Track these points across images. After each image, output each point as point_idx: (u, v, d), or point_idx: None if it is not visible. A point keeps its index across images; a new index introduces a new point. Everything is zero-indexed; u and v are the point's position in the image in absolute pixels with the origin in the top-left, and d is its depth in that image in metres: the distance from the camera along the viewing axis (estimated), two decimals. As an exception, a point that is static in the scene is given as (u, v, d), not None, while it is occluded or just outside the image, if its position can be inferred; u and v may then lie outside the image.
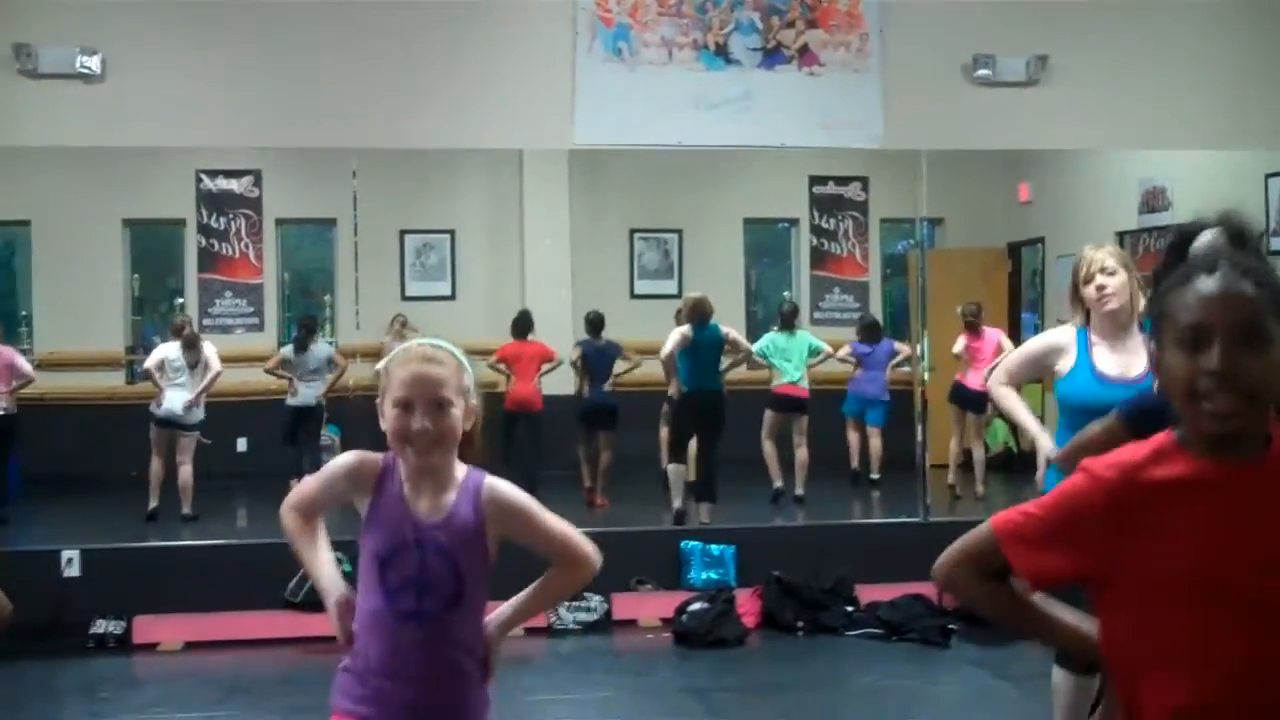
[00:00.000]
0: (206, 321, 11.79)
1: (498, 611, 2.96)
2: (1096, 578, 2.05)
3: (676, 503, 9.76)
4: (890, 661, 7.63)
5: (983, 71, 9.13)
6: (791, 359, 11.00)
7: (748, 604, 8.24)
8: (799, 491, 10.75)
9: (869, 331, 11.80)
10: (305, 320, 11.64)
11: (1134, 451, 2.06)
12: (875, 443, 11.50)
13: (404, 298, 13.29)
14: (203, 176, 13.12)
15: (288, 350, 11.16)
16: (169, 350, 10.37)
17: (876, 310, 13.63)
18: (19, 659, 7.52)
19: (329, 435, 12.12)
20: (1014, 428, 12.74)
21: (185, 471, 10.15)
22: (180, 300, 13.47)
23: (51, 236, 12.95)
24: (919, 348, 10.34)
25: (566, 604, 8.22)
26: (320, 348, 11.39)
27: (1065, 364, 4.60)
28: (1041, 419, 10.87)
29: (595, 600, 8.31)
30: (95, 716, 6.86)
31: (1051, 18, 9.26)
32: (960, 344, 11.11)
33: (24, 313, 13.06)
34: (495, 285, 13.15)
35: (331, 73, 8.65)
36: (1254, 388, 1.95)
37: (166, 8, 8.63)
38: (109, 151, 9.73)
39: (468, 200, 13.50)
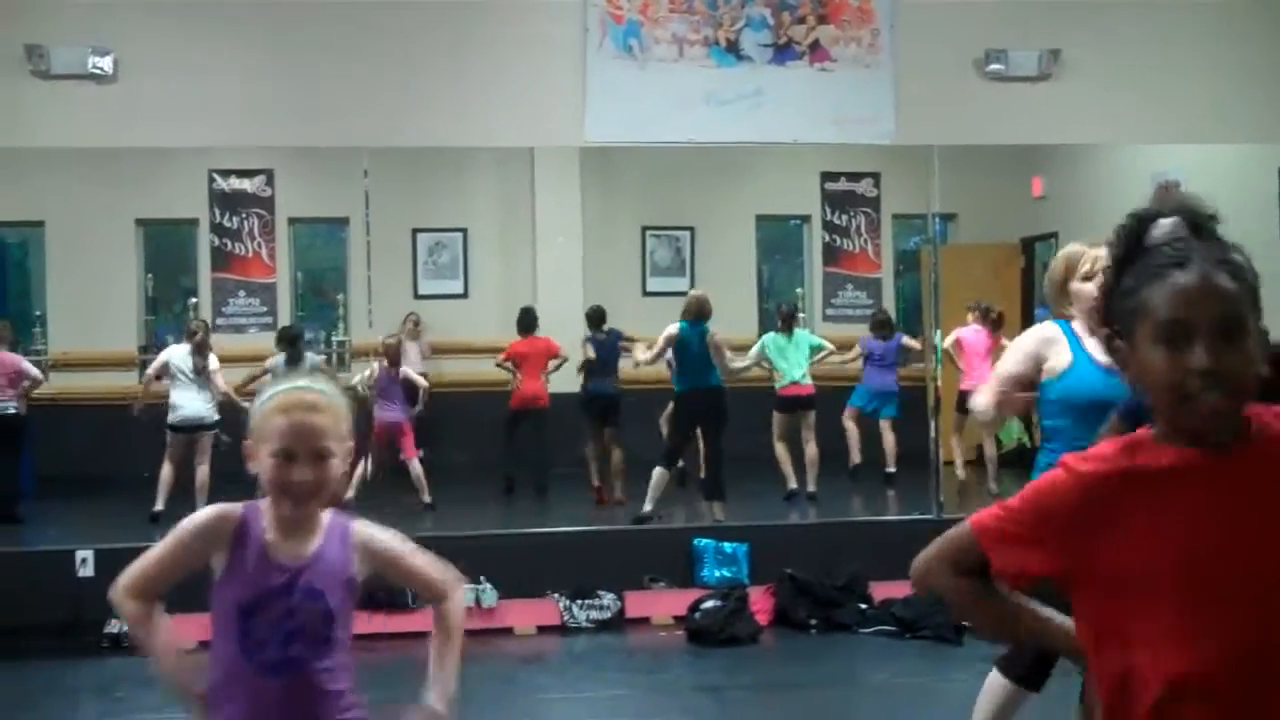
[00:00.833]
0: (220, 321, 11.80)
1: (431, 687, 2.77)
2: (1075, 574, 2.03)
3: (648, 507, 9.55)
4: (904, 659, 7.62)
5: (995, 66, 9.11)
6: (789, 359, 10.94)
7: (761, 602, 8.23)
8: (811, 489, 10.74)
9: (881, 327, 11.79)
10: (291, 333, 11.03)
11: (1109, 446, 2.05)
12: (890, 437, 11.47)
13: (416, 296, 13.31)
14: (215, 176, 13.15)
15: (276, 363, 10.52)
16: (175, 354, 10.34)
17: (890, 306, 13.60)
18: (34, 658, 7.56)
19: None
20: (1028, 424, 12.73)
21: (203, 471, 10.15)
22: (194, 300, 13.48)
23: (65, 237, 12.99)
24: (933, 344, 10.31)
25: (579, 602, 8.22)
26: (311, 358, 11.31)
27: (1060, 360, 4.47)
28: (1030, 441, 10.93)
29: (608, 598, 8.31)
30: (110, 716, 6.88)
31: (1063, 12, 9.24)
32: (950, 340, 11.00)
33: (38, 313, 13.10)
34: (507, 283, 13.15)
35: (343, 72, 8.66)
36: (1239, 383, 1.95)
37: (178, 8, 8.65)
38: (121, 152, 9.75)
39: (479, 198, 13.50)
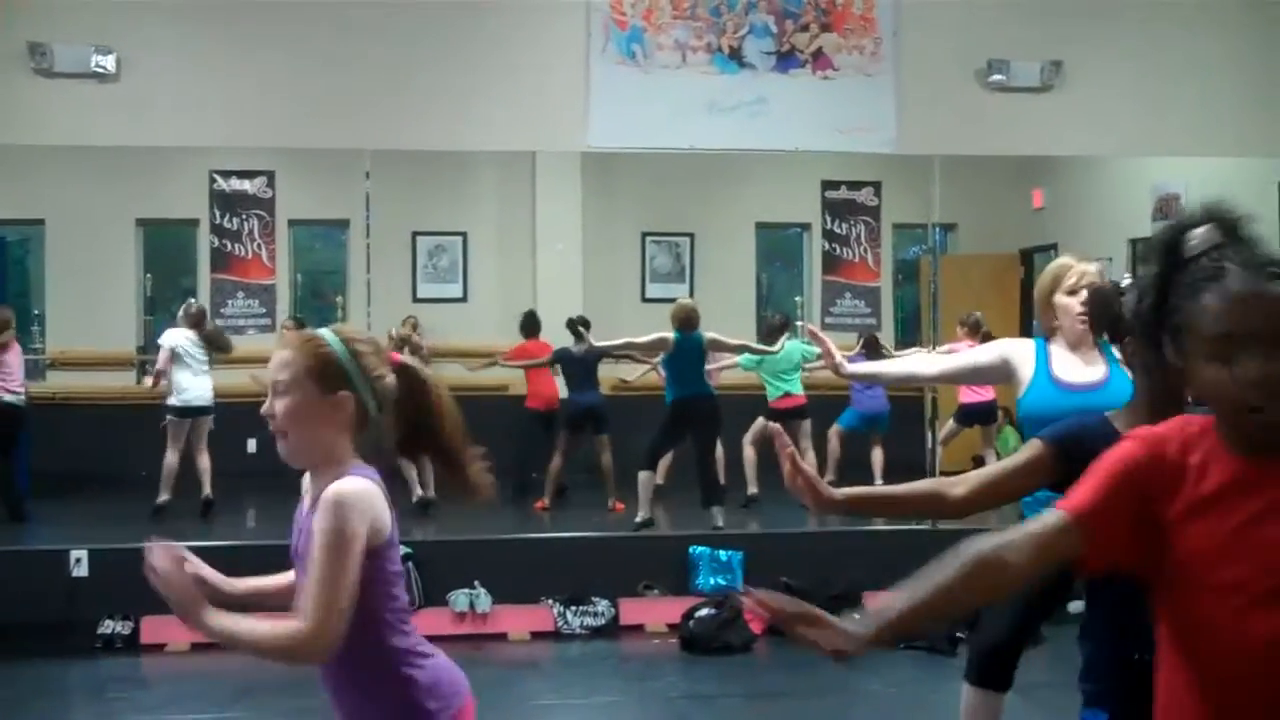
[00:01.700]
0: (219, 322, 11.74)
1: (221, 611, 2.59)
2: (1157, 571, 2.02)
3: (643, 513, 9.48)
4: (897, 669, 7.60)
5: (997, 77, 9.12)
6: (779, 369, 10.84)
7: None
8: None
9: (872, 348, 11.65)
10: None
11: (1184, 426, 2.05)
12: (879, 452, 11.42)
13: (415, 299, 13.30)
14: (216, 177, 13.12)
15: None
16: (179, 337, 10.34)
17: (888, 316, 13.59)
18: (27, 658, 7.54)
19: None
20: (1024, 436, 12.71)
21: (205, 456, 10.20)
22: (192, 300, 13.48)
23: (65, 235, 12.99)
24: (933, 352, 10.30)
25: (573, 609, 8.21)
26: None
27: (1024, 376, 4.43)
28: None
29: (602, 605, 8.30)
30: (103, 717, 6.88)
31: (1066, 24, 9.25)
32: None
33: (36, 311, 13.10)
34: (507, 287, 13.15)
35: (345, 74, 8.66)
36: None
37: (181, 8, 8.66)
38: (123, 151, 9.75)
39: (480, 202, 13.50)
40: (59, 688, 7.31)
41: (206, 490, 10.11)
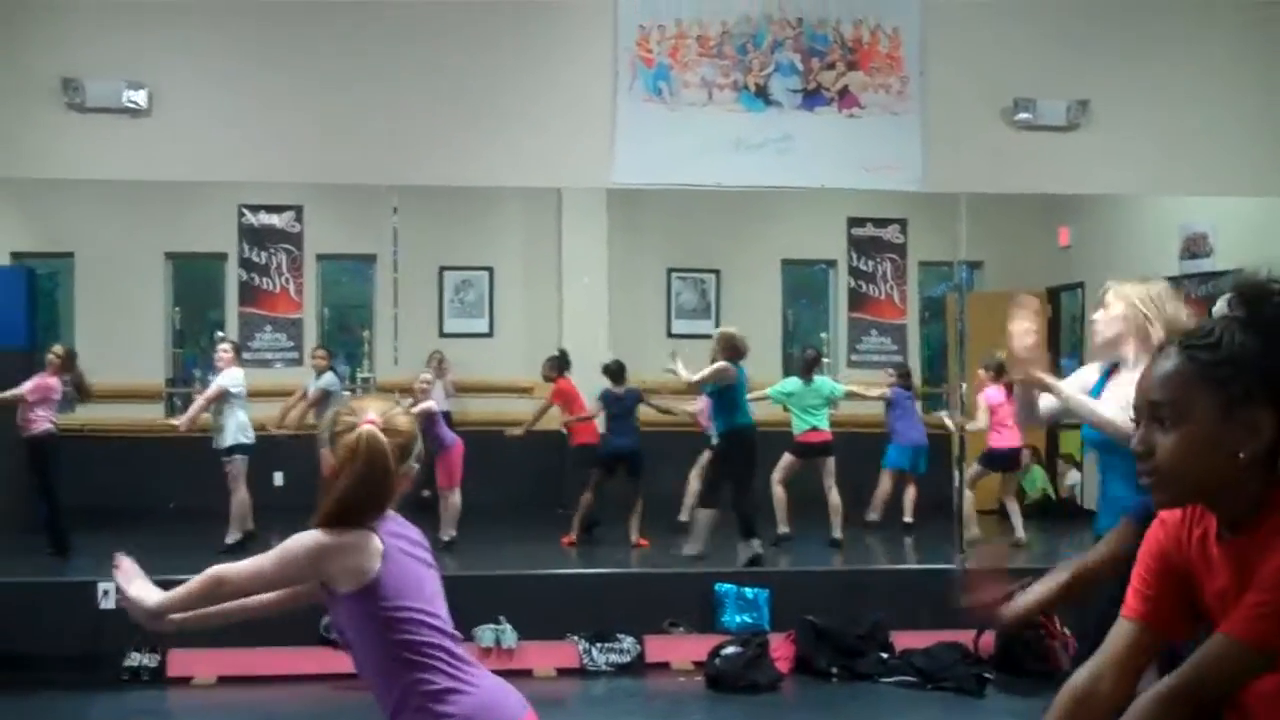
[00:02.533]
0: (246, 355, 11.81)
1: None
2: None
3: (699, 547, 9.42)
4: (925, 710, 7.55)
5: (1023, 115, 9.12)
6: (808, 403, 10.77)
7: (781, 648, 8.18)
8: (836, 535, 10.61)
9: (906, 377, 11.58)
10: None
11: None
12: (912, 489, 11.31)
13: (442, 334, 13.34)
14: (245, 211, 13.24)
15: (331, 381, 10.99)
16: (237, 376, 10.33)
17: (914, 353, 13.58)
18: (55, 690, 7.56)
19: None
20: (1052, 476, 12.65)
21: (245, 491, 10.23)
22: (220, 334, 13.56)
23: (94, 269, 13.10)
24: (959, 391, 10.28)
25: (598, 645, 8.19)
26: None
27: None
28: (1055, 492, 10.69)
29: (628, 642, 8.27)
30: (127, 749, 6.88)
31: (1093, 62, 9.25)
32: (982, 403, 10.60)
33: (65, 343, 13.18)
34: (533, 322, 13.18)
35: (374, 111, 8.73)
36: (1159, 466, 2.00)
37: (213, 44, 8.74)
38: (153, 185, 9.84)
39: (507, 237, 13.55)
40: (85, 719, 7.32)
41: (251, 526, 10.13)
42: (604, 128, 8.93)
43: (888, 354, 13.31)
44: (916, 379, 12.72)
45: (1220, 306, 2.15)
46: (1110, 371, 4.38)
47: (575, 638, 8.23)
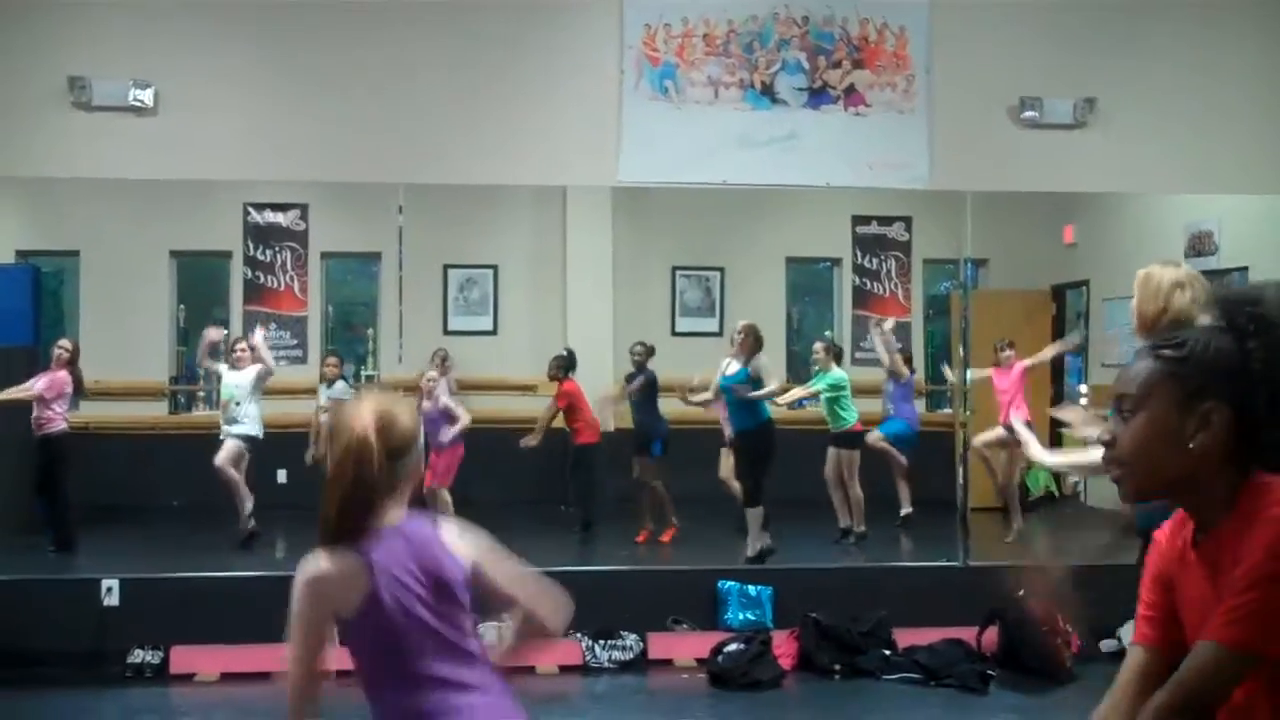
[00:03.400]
0: (233, 337, 11.81)
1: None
2: None
3: (760, 544, 9.41)
4: (928, 707, 7.55)
5: (1029, 114, 9.11)
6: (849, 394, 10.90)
7: (784, 646, 8.18)
8: (861, 528, 10.66)
9: (908, 362, 11.82)
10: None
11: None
12: (905, 485, 11.31)
13: (446, 332, 13.35)
14: (250, 209, 13.25)
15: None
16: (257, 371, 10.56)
17: (918, 351, 13.57)
18: (58, 687, 7.57)
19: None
20: (1055, 474, 12.64)
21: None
22: (225, 332, 13.57)
23: (100, 267, 13.10)
24: (963, 389, 10.27)
25: (601, 642, 8.19)
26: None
27: None
28: (1059, 490, 10.64)
29: (631, 639, 8.28)
30: (131, 746, 6.88)
31: (1099, 61, 9.23)
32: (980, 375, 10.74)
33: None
34: (537, 321, 13.19)
35: (379, 109, 8.72)
36: (1118, 455, 2.08)
37: (219, 43, 8.74)
38: (158, 183, 9.83)
39: (511, 235, 13.55)
40: (89, 717, 7.33)
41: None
42: (610, 126, 8.93)
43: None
44: (921, 377, 12.76)
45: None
46: None
47: (578, 635, 8.23)
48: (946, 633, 8.10)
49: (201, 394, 14.11)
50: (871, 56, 9.18)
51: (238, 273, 13.43)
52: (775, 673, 7.92)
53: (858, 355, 13.36)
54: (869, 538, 10.59)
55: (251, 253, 13.37)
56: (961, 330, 10.09)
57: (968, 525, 9.56)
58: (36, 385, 10.05)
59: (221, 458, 10.21)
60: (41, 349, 11.91)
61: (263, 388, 10.49)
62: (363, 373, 13.69)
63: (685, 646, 8.36)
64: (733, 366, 9.71)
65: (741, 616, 8.51)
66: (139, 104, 8.49)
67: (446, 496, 10.33)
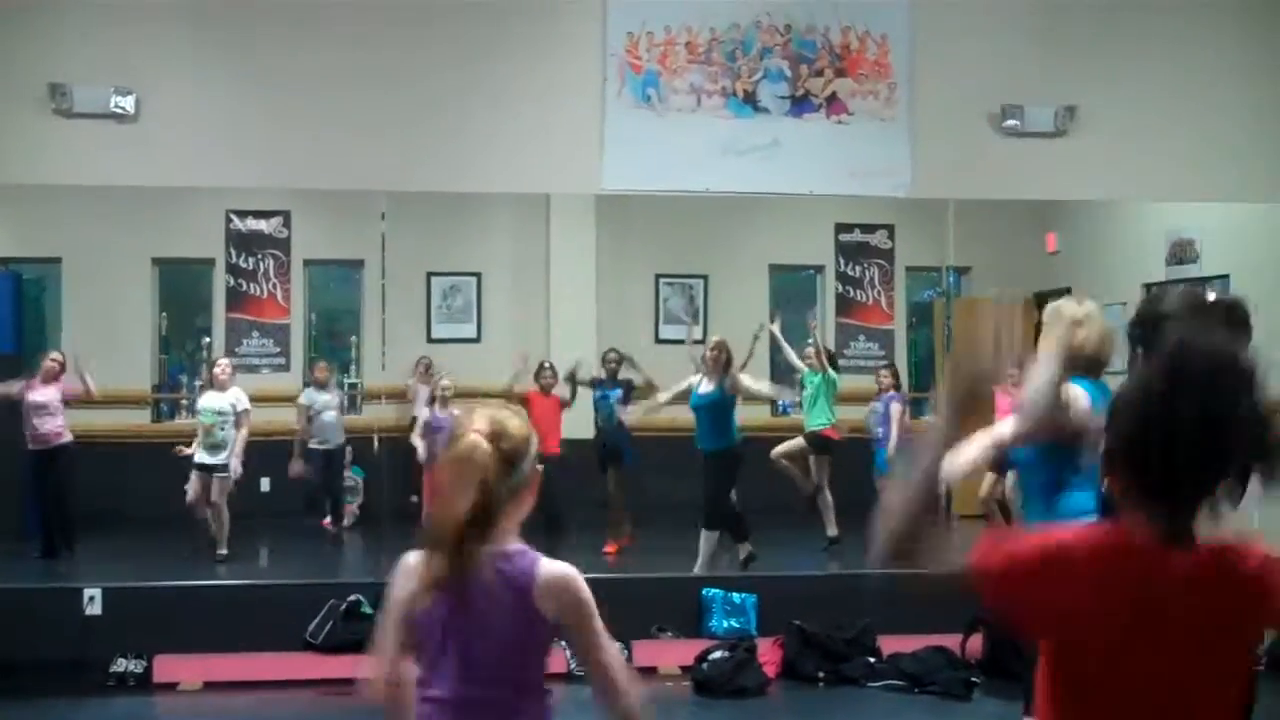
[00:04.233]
0: (234, 361, 11.83)
1: None
2: None
3: (703, 567, 9.42)
4: (912, 714, 7.56)
5: (1011, 122, 9.14)
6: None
7: (769, 653, 8.18)
8: (832, 532, 10.69)
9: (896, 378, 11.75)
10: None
11: None
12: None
13: (430, 340, 13.33)
14: (233, 217, 13.23)
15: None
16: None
17: (901, 358, 13.59)
18: (41, 696, 7.53)
19: (352, 476, 12.16)
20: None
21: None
22: (208, 339, 13.56)
23: (82, 274, 13.07)
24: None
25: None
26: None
27: None
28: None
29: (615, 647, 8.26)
30: (113, 755, 6.85)
31: (1080, 69, 9.27)
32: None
33: (51, 349, 13.14)
34: (521, 328, 13.17)
35: (361, 116, 8.71)
36: None
37: (200, 50, 8.72)
38: (140, 191, 9.81)
39: (495, 243, 13.54)
40: (71, 726, 7.30)
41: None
42: (593, 134, 8.93)
43: (875, 359, 13.31)
44: (905, 383, 12.76)
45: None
46: None
47: (561, 643, 8.18)
48: (931, 640, 8.11)
49: (184, 402, 14.07)
50: (853, 65, 9.21)
51: (220, 280, 13.40)
52: (760, 680, 7.92)
53: (841, 363, 13.37)
54: (842, 543, 10.60)
55: (234, 260, 13.34)
56: (945, 337, 10.11)
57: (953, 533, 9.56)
58: (54, 395, 10.15)
59: (218, 494, 10.07)
60: (23, 356, 11.88)
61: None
62: (345, 381, 13.65)
63: (670, 654, 8.35)
64: (705, 385, 9.66)
65: (726, 624, 8.51)
66: (120, 111, 8.46)
67: None
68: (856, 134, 9.17)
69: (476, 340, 13.55)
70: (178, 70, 8.66)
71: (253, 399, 10.68)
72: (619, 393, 11.01)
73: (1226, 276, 10.63)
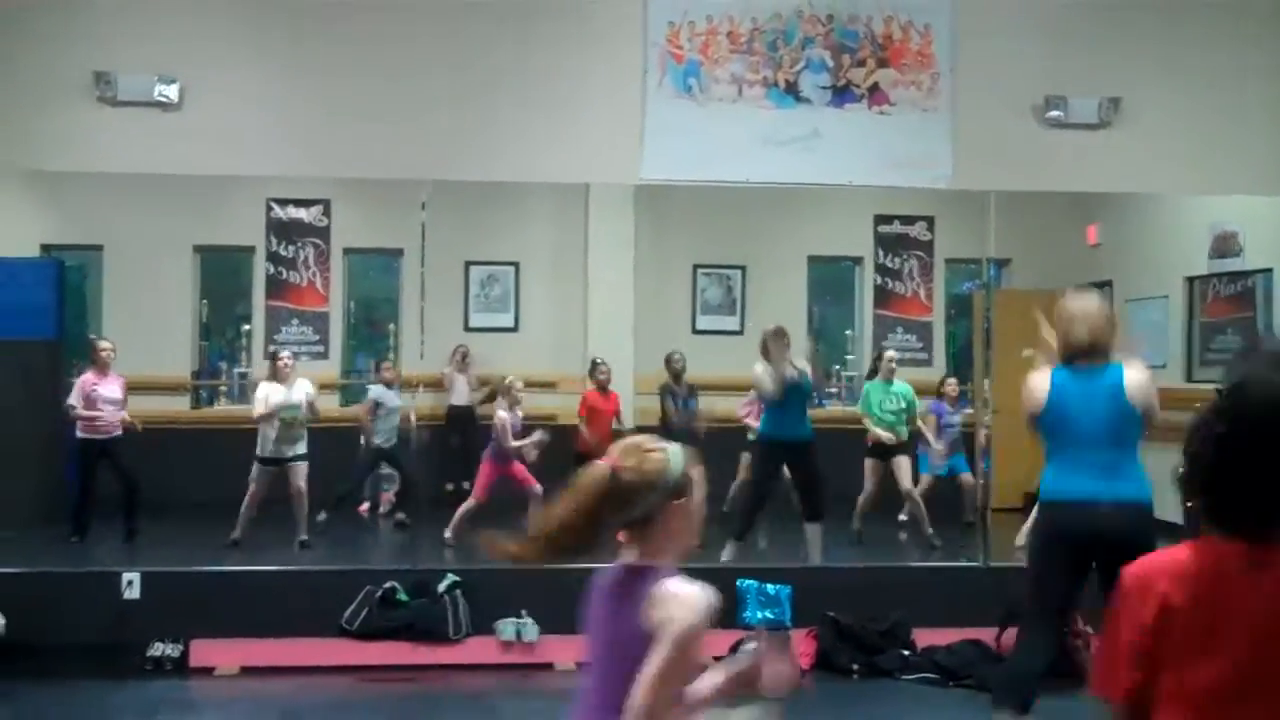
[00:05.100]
0: (271, 348, 11.90)
1: None
2: None
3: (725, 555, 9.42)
4: (946, 708, 7.53)
5: (1054, 113, 9.07)
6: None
7: (803, 645, 8.15)
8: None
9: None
10: None
11: None
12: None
13: (467, 329, 13.37)
14: (273, 205, 13.30)
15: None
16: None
17: (940, 351, 13.53)
18: (78, 679, 7.60)
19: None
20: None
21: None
22: (247, 327, 13.64)
23: (123, 261, 13.17)
24: (984, 390, 10.23)
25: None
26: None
27: None
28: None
29: (650, 636, 8.26)
30: (151, 738, 6.91)
31: (1125, 60, 9.19)
32: None
33: (93, 336, 13.25)
34: (558, 318, 13.19)
35: (403, 105, 8.74)
36: None
37: (244, 39, 8.76)
38: (182, 179, 9.86)
39: (533, 232, 13.56)
40: (108, 709, 7.35)
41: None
42: (633, 124, 8.92)
43: (913, 351, 13.27)
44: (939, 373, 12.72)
45: None
46: None
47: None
48: (965, 633, 8.07)
49: (224, 389, 14.17)
50: (896, 55, 9.16)
51: (260, 268, 13.48)
52: (794, 672, 7.88)
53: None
54: (884, 540, 10.61)
55: (274, 248, 13.41)
56: (984, 330, 10.05)
57: (988, 525, 9.53)
58: (114, 392, 10.36)
59: (302, 481, 10.34)
60: (65, 343, 11.99)
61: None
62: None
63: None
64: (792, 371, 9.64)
65: (760, 615, 8.46)
66: (164, 99, 8.51)
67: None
68: (898, 125, 9.12)
69: (514, 329, 13.58)
70: (221, 59, 8.70)
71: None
72: (696, 403, 11.20)
73: (1270, 270, 10.52)
